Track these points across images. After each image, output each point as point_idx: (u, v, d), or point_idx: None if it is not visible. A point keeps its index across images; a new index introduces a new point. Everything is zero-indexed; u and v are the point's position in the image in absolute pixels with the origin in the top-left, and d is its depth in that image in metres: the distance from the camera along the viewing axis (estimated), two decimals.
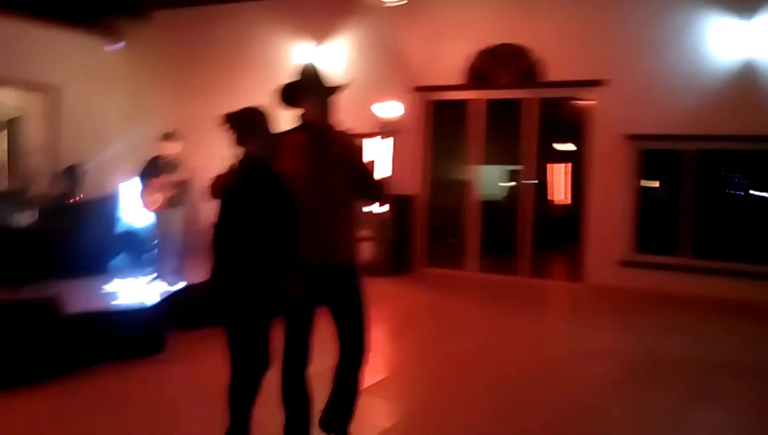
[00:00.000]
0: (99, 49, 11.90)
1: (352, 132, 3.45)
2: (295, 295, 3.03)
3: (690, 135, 8.55)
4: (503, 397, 4.66)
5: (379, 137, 9.64)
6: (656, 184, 9.67)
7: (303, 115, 3.33)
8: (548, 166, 13.52)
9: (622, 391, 4.90)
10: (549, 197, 13.76)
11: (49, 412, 4.02)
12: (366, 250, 9.31)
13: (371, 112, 9.56)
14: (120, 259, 8.99)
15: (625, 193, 8.94)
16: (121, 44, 12.11)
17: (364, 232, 9.17)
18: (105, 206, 9.51)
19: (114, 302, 6.62)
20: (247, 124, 3.07)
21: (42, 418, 3.94)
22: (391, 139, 9.75)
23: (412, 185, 10.17)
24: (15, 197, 7.97)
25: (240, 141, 3.08)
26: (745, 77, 8.32)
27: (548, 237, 11.26)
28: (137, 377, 4.77)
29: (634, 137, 8.81)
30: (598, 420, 4.27)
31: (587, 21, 9.13)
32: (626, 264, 8.86)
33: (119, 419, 3.96)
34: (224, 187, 3.00)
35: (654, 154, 8.99)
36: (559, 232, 11.66)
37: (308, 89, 3.30)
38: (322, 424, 3.57)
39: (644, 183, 9.12)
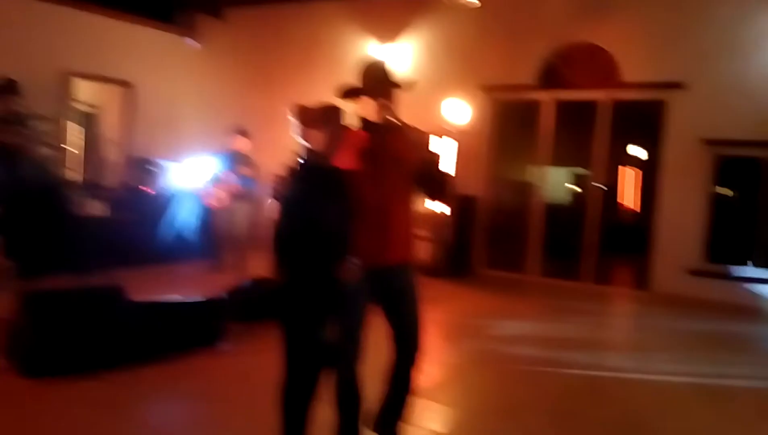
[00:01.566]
0: (175, 45, 12.23)
1: (418, 128, 3.37)
2: (352, 285, 2.97)
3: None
4: (562, 406, 4.53)
5: (444, 136, 9.61)
6: (730, 192, 9.28)
7: (364, 113, 3.29)
8: (619, 169, 13.14)
9: (686, 405, 4.69)
10: (618, 201, 13.37)
11: (108, 401, 4.11)
12: (425, 251, 9.25)
13: (438, 111, 9.51)
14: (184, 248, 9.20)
15: (699, 199, 8.59)
16: (197, 44, 12.41)
17: (424, 233, 9.10)
18: (175, 199, 9.77)
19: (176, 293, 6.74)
20: (317, 118, 3.05)
21: (101, 406, 4.03)
22: (455, 140, 9.69)
23: (476, 186, 10.04)
24: (89, 187, 8.25)
25: (308, 135, 3.06)
26: None
27: (615, 242, 10.94)
28: (195, 368, 4.85)
29: (711, 142, 8.44)
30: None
31: (666, 21, 8.79)
32: (696, 273, 8.51)
33: (176, 410, 4.03)
34: (285, 186, 2.98)
35: (730, 161, 8.61)
36: (627, 238, 11.32)
37: (370, 86, 3.26)
38: (373, 425, 3.54)
39: (718, 190, 8.75)
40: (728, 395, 5.01)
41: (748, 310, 7.90)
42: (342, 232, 3.05)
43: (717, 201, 8.72)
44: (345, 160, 3.17)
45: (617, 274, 10.47)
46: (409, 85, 3.39)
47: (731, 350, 6.32)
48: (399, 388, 3.41)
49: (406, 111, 3.33)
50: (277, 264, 2.96)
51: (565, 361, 5.69)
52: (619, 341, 6.55)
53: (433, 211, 9.18)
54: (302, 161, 3.04)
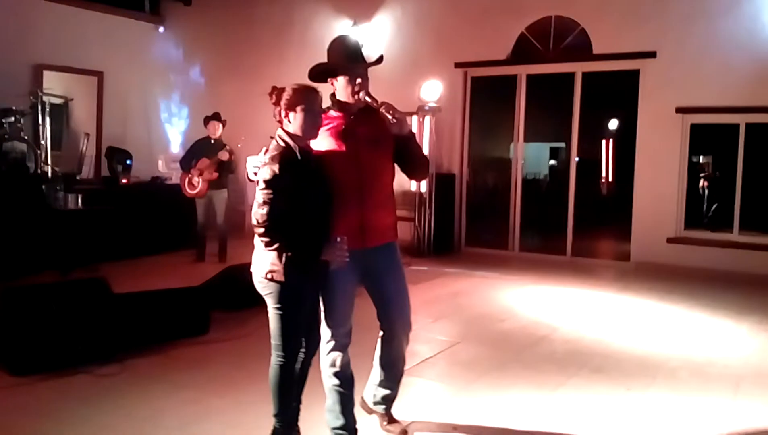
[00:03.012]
0: (145, 33, 12.05)
1: (393, 106, 3.31)
2: (339, 264, 2.98)
3: (741, 107, 8.24)
4: (553, 376, 4.59)
5: (420, 114, 9.62)
6: (705, 158, 9.42)
7: (336, 93, 3.24)
8: (598, 142, 13.25)
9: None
10: (598, 173, 13.50)
11: (98, 394, 4.09)
12: (406, 230, 9.28)
13: (413, 89, 9.50)
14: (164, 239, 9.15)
15: (675, 167, 8.68)
16: (161, 28, 12.24)
17: (405, 212, 9.13)
18: (150, 189, 9.69)
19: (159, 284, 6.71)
20: (294, 101, 3.00)
21: (91, 400, 4.01)
22: (430, 118, 9.71)
23: (453, 164, 10.07)
24: (65, 180, 8.14)
25: (286, 118, 3.03)
26: None
27: (594, 215, 11.06)
28: (183, 357, 4.84)
29: (684, 110, 8.53)
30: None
31: None
32: (674, 241, 8.64)
33: (167, 400, 4.02)
34: (267, 171, 2.94)
35: (708, 127, 8.70)
36: (605, 210, 11.45)
37: (339, 65, 3.18)
38: (364, 404, 3.57)
39: (693, 158, 8.86)
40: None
41: (730, 275, 8.03)
42: (326, 214, 3.05)
43: (693, 168, 8.83)
44: (322, 142, 3.15)
45: (598, 246, 10.58)
46: (378, 61, 3.33)
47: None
48: (389, 367, 3.43)
49: (382, 89, 3.28)
50: (266, 245, 2.94)
51: (552, 332, 5.76)
52: (601, 312, 6.62)
53: (411, 190, 9.21)
54: (282, 144, 3.01)
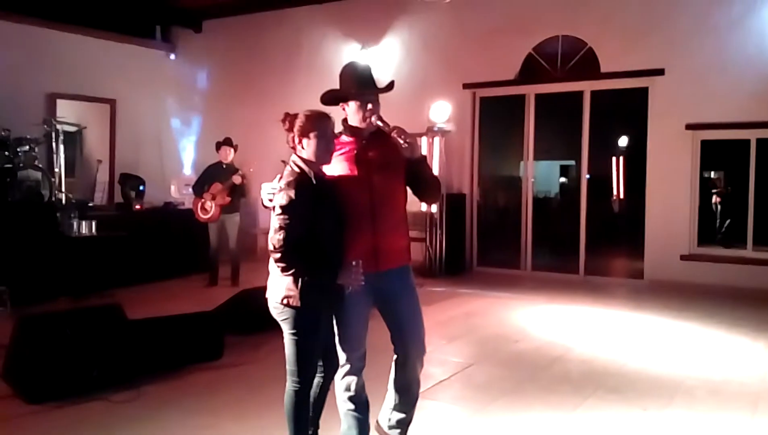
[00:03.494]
0: (156, 61, 12.21)
1: (404, 130, 3.34)
2: (355, 287, 2.98)
3: (751, 122, 8.23)
4: (569, 397, 4.56)
5: (430, 136, 9.66)
6: (716, 174, 9.36)
7: (347, 118, 3.27)
8: (607, 159, 13.20)
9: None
10: (607, 191, 13.43)
11: (113, 421, 4.10)
12: (418, 252, 9.28)
13: (423, 111, 9.56)
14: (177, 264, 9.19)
15: (686, 184, 8.66)
16: (172, 55, 12.40)
17: (416, 234, 9.13)
18: (163, 214, 9.75)
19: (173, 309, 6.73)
20: (307, 126, 3.03)
21: (108, 424, 4.03)
22: (439, 139, 9.75)
23: (464, 184, 10.09)
24: (78, 207, 8.22)
25: (299, 143, 3.06)
26: None
27: (606, 233, 11.00)
28: (199, 382, 4.85)
29: (694, 126, 8.52)
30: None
31: (642, 8, 8.87)
32: (687, 258, 8.58)
33: (183, 425, 4.02)
34: (281, 196, 2.96)
35: (718, 144, 8.68)
36: (617, 228, 11.38)
37: (351, 90, 3.22)
38: (379, 428, 3.55)
39: (705, 174, 8.84)
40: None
41: (745, 292, 7.97)
42: (340, 238, 3.06)
43: (705, 184, 8.80)
44: (335, 167, 3.17)
45: (611, 264, 10.52)
46: (389, 87, 3.36)
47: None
48: (403, 391, 3.42)
49: (391, 112, 3.31)
50: (283, 270, 2.95)
51: (567, 352, 5.72)
52: (616, 331, 6.58)
53: (422, 211, 9.23)
54: (297, 170, 3.03)
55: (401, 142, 3.07)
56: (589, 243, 9.48)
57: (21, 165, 8.13)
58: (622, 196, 13.36)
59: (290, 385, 3.10)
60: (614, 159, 13.57)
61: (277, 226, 2.92)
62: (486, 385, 4.88)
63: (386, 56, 10.45)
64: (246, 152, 8.85)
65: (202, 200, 8.35)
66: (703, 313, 7.15)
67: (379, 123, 3.15)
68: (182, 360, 5.09)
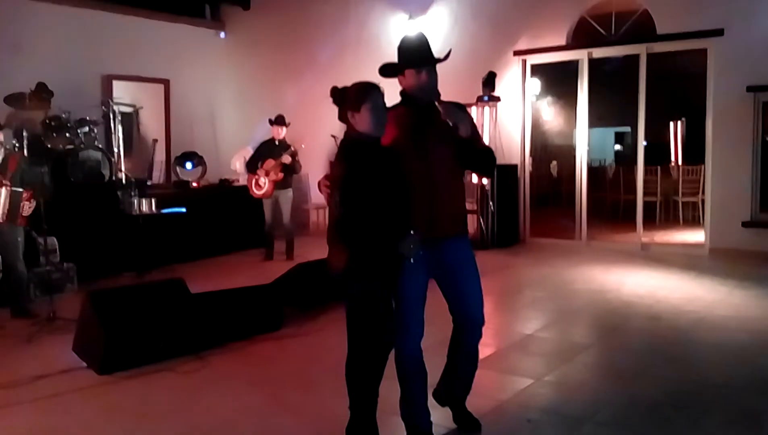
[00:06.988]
0: (207, 39, 12.35)
1: (457, 102, 3.34)
2: (413, 257, 2.99)
3: None
4: (624, 367, 4.52)
5: (482, 106, 9.55)
6: None
7: (405, 88, 3.28)
8: (666, 124, 12.86)
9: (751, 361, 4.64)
10: (664, 158, 13.12)
11: (180, 389, 4.27)
12: (470, 223, 9.24)
13: (470, 80, 9.44)
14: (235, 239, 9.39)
15: (748, 148, 8.36)
16: (222, 33, 12.52)
17: (470, 205, 9.09)
18: (219, 191, 9.94)
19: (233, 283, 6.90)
20: (358, 99, 3.02)
21: (175, 394, 4.19)
22: (490, 108, 9.63)
23: (515, 154, 9.95)
24: (137, 186, 8.44)
25: (348, 116, 3.05)
26: None
27: (664, 201, 10.77)
28: (259, 354, 4.98)
29: (755, 88, 8.20)
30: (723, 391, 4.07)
31: None
32: (749, 224, 8.32)
33: (245, 395, 4.14)
34: (339, 170, 2.97)
35: None
36: (676, 195, 11.12)
37: (408, 61, 3.23)
38: (438, 397, 3.59)
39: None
40: None
41: None
42: (402, 208, 3.06)
43: (767, 148, 8.48)
44: (390, 138, 3.18)
45: (669, 233, 10.28)
46: (446, 57, 3.35)
47: None
48: (462, 360, 3.45)
49: (441, 82, 3.30)
50: (341, 246, 2.97)
51: (624, 323, 5.66)
52: (677, 300, 6.44)
53: (473, 182, 9.16)
54: (352, 144, 3.04)
55: (452, 124, 3.10)
56: (647, 211, 9.25)
57: (82, 146, 8.37)
58: (680, 162, 13.03)
59: (351, 354, 3.15)
60: (672, 124, 13.23)
61: (337, 200, 2.95)
62: (541, 355, 4.87)
63: (434, 26, 10.31)
64: (298, 129, 8.92)
65: (256, 177, 8.49)
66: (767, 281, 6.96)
67: (438, 105, 3.16)
68: (244, 331, 5.23)
